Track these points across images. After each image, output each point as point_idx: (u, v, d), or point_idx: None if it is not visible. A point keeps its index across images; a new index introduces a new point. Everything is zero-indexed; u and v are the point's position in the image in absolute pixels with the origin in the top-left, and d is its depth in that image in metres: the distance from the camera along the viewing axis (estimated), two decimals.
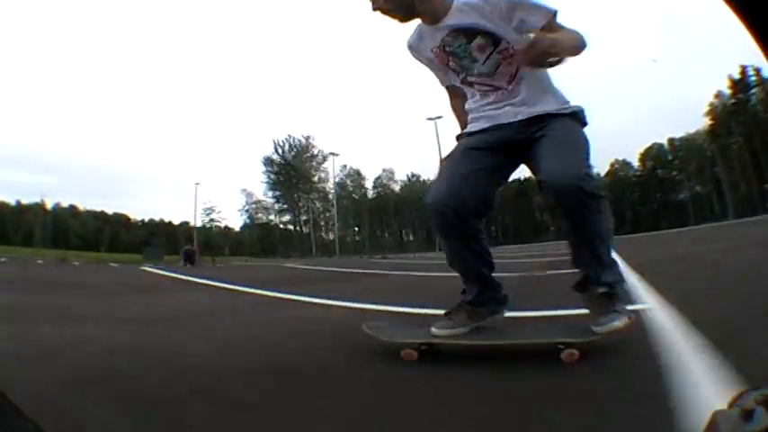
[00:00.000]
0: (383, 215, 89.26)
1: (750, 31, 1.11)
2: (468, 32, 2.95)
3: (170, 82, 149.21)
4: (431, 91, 3.97)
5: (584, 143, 3.05)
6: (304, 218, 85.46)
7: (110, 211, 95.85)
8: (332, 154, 76.69)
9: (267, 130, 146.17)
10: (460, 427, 2.12)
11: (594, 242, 2.95)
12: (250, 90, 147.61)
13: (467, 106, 3.29)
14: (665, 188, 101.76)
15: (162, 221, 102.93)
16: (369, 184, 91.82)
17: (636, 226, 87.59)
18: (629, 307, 3.48)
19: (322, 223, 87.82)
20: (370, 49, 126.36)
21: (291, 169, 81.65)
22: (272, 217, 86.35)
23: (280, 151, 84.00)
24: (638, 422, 2.01)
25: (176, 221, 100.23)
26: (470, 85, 3.19)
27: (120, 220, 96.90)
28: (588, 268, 3.06)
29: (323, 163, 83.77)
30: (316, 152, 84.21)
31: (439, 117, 56.92)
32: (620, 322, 2.87)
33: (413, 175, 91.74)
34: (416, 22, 3.11)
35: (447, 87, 3.38)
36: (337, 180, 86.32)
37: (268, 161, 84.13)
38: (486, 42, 2.96)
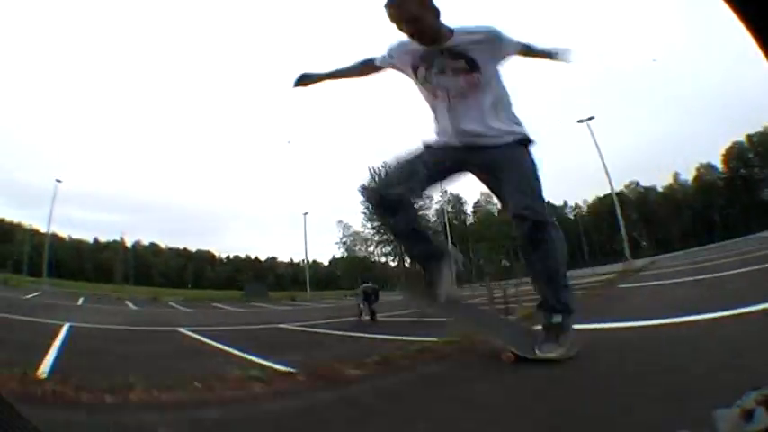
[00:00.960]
0: (485, 241, 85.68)
1: (750, 31, 1.21)
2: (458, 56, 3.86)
3: (255, 118, 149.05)
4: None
5: (535, 169, 3.97)
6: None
7: (193, 248, 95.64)
8: None
9: (361, 158, 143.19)
10: None
11: (553, 268, 3.84)
12: (340, 116, 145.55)
13: (428, 105, 4.19)
14: (751, 188, 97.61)
15: (248, 257, 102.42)
16: (468, 209, 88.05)
17: (727, 232, 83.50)
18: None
19: None
20: None
21: None
22: (371, 249, 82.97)
23: (377, 179, 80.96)
24: None
25: (262, 257, 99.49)
26: (426, 86, 4.11)
27: (205, 257, 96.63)
28: (547, 293, 3.95)
29: None
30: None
31: (591, 118, 52.59)
32: (555, 353, 3.77)
33: None
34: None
35: (370, 59, 4.26)
36: (438, 207, 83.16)
37: (365, 190, 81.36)
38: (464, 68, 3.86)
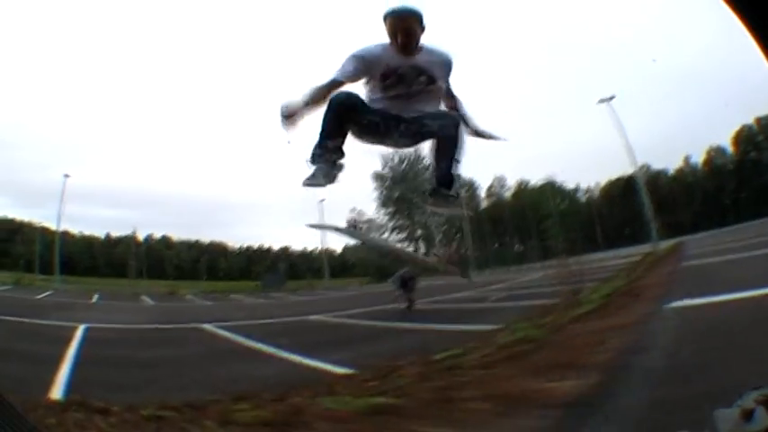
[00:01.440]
0: (498, 225, 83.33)
1: (750, 31, 1.23)
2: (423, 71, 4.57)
3: (264, 106, 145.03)
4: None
5: None
6: (419, 233, 79.83)
7: (205, 240, 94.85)
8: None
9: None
10: None
11: (457, 159, 4.58)
12: None
13: (372, 95, 4.59)
14: (762, 171, 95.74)
15: (261, 247, 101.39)
16: (482, 193, 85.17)
17: (737, 216, 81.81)
18: None
19: (439, 237, 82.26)
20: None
21: (404, 183, 76.72)
22: (385, 235, 79.61)
23: (389, 164, 78.43)
24: None
25: (275, 247, 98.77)
26: (386, 90, 4.57)
27: (218, 249, 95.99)
28: (449, 177, 4.58)
29: None
30: (428, 163, 78.49)
31: (611, 98, 49.09)
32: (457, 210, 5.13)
33: (522, 182, 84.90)
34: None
35: (338, 81, 4.50)
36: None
37: (378, 177, 78.45)
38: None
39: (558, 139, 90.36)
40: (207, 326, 13.07)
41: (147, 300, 27.31)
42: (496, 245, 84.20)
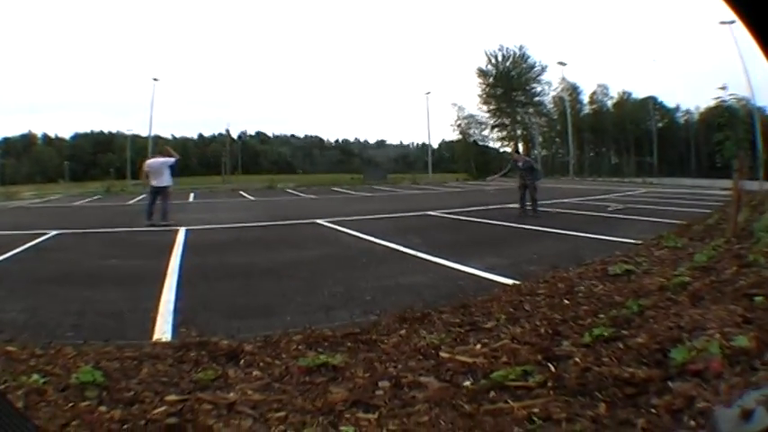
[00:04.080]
0: (598, 134, 79.63)
1: (750, 31, 1.17)
2: None
3: None
4: None
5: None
6: (519, 132, 77.77)
7: (300, 134, 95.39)
8: (560, 63, 68.41)
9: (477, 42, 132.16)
10: None
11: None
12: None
13: None
14: None
15: (357, 140, 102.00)
16: (585, 98, 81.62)
17: None
18: None
19: (540, 140, 79.95)
20: None
21: (507, 80, 74.64)
22: (485, 132, 78.45)
23: (493, 61, 76.39)
24: None
25: (371, 140, 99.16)
26: None
27: (313, 143, 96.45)
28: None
29: (541, 74, 75.02)
30: (532, 63, 76.14)
31: (733, 21, 44.21)
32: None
33: (624, 93, 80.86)
34: None
35: None
36: (554, 94, 77.47)
37: (482, 73, 76.78)
38: None
39: (670, 56, 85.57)
40: (322, 221, 12.04)
41: (247, 196, 26.12)
42: (592, 153, 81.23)
